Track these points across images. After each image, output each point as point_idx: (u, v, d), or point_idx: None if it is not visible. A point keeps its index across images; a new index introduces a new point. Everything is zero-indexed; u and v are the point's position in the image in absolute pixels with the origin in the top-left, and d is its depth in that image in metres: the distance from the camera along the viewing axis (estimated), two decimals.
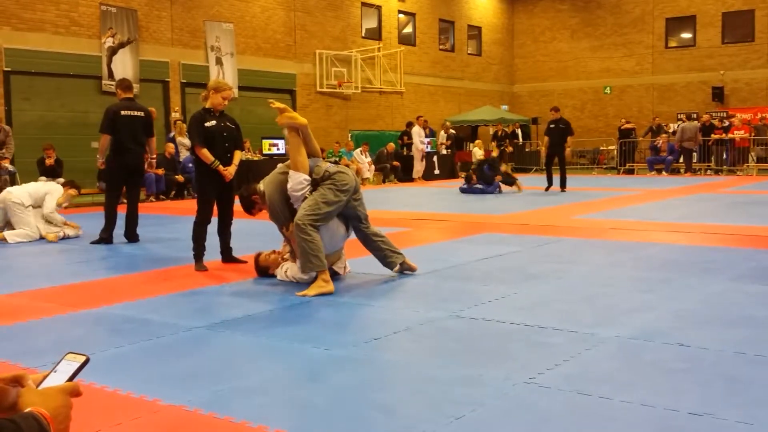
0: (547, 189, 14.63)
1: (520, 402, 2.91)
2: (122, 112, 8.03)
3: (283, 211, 5.43)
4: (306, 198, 5.27)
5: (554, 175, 14.97)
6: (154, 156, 8.72)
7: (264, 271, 5.81)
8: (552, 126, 15.00)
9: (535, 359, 3.46)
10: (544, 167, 16.07)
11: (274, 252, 5.82)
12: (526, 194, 14.21)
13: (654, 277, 5.46)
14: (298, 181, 5.30)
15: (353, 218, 5.58)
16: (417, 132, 20.05)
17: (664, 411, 2.76)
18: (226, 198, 6.55)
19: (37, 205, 8.57)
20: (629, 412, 2.77)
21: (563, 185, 14.57)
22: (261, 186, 5.66)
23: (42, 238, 8.43)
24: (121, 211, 8.26)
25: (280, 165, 5.72)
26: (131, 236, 8.16)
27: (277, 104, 5.57)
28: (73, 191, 9.01)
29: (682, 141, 20.88)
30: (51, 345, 3.90)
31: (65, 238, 8.54)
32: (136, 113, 8.15)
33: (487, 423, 2.70)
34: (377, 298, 5.01)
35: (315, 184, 5.31)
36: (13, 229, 8.43)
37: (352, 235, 5.71)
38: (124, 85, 8.36)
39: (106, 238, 8.04)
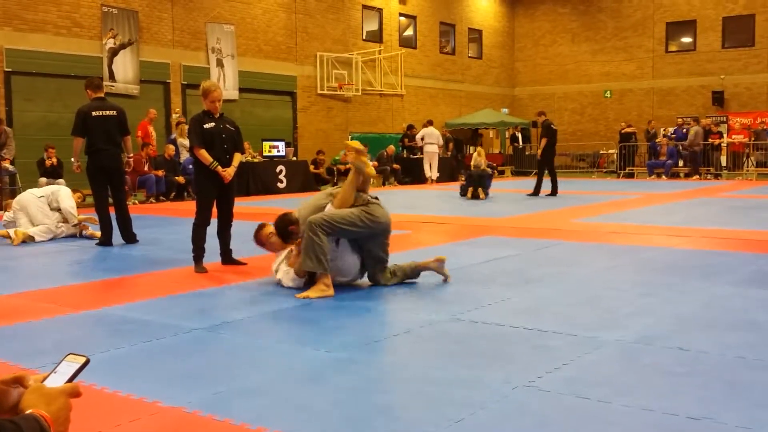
0: (550, 194, 14.58)
1: (519, 405, 2.91)
2: (93, 113, 7.84)
3: None
4: None
5: (559, 179, 14.96)
6: (131, 155, 8.59)
7: (260, 243, 5.71)
8: None
9: (534, 362, 3.46)
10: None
11: (275, 235, 5.62)
12: (527, 198, 14.21)
13: (654, 280, 5.46)
14: None
15: (374, 259, 5.35)
16: (436, 133, 20.20)
17: (663, 415, 2.76)
18: (226, 199, 6.55)
19: (51, 202, 8.62)
20: (628, 416, 2.77)
21: (534, 191, 14.55)
22: (296, 213, 5.51)
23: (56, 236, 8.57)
24: (112, 213, 8.21)
25: (321, 193, 5.65)
26: (128, 238, 8.08)
27: (355, 144, 5.45)
28: (79, 194, 9.10)
29: (694, 145, 20.80)
30: (51, 346, 3.90)
31: (89, 237, 8.64)
32: (108, 113, 7.93)
33: (487, 426, 2.70)
34: (377, 300, 5.01)
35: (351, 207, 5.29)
36: (33, 226, 8.47)
37: None
38: (94, 84, 8.13)
39: (104, 241, 8.00)
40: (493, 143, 28.37)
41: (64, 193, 8.75)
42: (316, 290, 5.04)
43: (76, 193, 8.99)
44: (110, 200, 8.18)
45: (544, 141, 14.82)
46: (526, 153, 25.64)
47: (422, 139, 20.23)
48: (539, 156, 15.07)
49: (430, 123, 20.87)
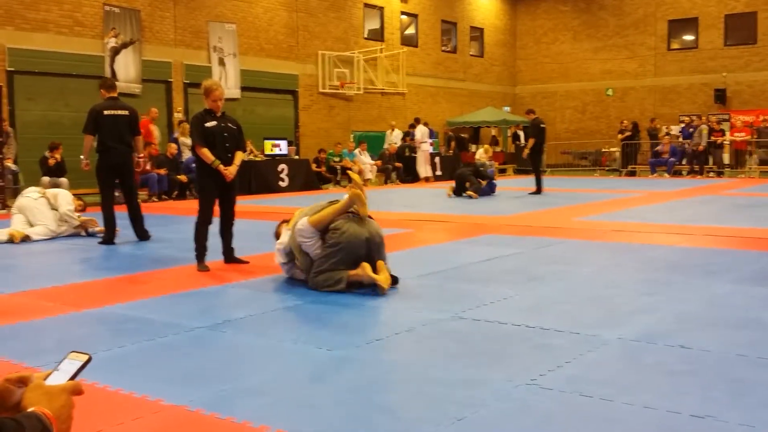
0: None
1: (521, 403, 2.91)
2: (105, 112, 7.99)
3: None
4: (309, 246, 5.23)
5: (543, 177, 14.99)
6: (141, 155, 8.69)
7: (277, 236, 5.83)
8: None
9: (536, 361, 3.46)
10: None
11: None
12: (527, 196, 14.20)
13: (656, 279, 5.45)
14: (309, 235, 5.21)
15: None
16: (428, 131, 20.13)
17: (665, 413, 2.76)
18: (228, 198, 6.55)
19: (52, 204, 8.63)
20: (631, 414, 2.77)
21: (536, 189, 14.61)
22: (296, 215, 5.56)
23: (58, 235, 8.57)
24: (124, 212, 8.25)
25: (321, 203, 5.54)
26: (141, 234, 8.19)
27: (357, 180, 5.51)
28: (80, 202, 9.09)
29: (700, 144, 20.71)
30: (54, 344, 3.90)
31: (91, 234, 8.63)
32: (119, 112, 8.07)
33: (489, 424, 2.70)
34: (379, 299, 5.01)
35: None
36: (33, 227, 8.50)
37: None
38: (107, 84, 8.32)
39: (107, 239, 8.03)
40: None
41: (63, 198, 8.75)
42: (380, 280, 5.00)
43: (77, 201, 8.98)
44: (119, 199, 8.25)
45: (531, 141, 14.88)
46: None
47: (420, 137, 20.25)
48: (524, 155, 15.26)
49: (419, 121, 20.85)
